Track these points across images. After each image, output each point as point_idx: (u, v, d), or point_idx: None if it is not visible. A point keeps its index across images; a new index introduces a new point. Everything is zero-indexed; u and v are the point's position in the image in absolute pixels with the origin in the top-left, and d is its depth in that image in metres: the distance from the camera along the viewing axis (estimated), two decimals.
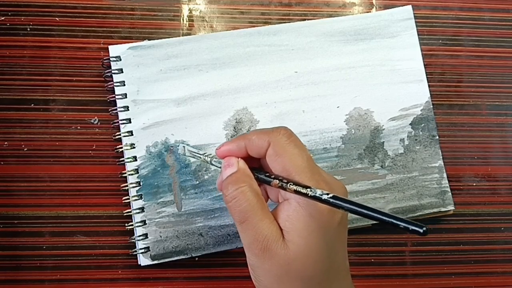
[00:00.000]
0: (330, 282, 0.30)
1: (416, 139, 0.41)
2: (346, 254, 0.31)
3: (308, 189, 0.27)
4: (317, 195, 0.27)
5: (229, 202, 0.30)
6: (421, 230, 0.23)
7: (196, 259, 0.39)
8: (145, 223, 0.38)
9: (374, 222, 0.40)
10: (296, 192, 0.28)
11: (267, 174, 0.30)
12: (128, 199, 0.39)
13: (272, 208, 0.31)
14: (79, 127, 0.40)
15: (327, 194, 0.27)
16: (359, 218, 0.40)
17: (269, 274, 0.29)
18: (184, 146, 0.38)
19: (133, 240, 0.38)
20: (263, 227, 0.28)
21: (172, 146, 0.39)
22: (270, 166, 0.30)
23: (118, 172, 0.39)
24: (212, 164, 0.34)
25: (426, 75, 0.42)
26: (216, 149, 0.32)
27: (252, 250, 0.29)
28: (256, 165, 0.32)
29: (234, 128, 0.40)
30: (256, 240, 0.29)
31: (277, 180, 0.29)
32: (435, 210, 0.40)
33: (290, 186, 0.28)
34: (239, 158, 0.31)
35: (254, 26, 0.42)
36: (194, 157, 0.37)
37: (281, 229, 0.29)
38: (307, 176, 0.29)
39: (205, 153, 0.35)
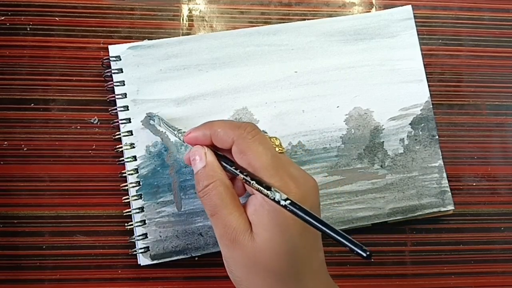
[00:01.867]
0: (301, 275, 0.30)
1: (416, 139, 0.41)
2: (319, 247, 0.32)
3: (269, 192, 0.28)
4: (275, 199, 0.28)
5: (201, 197, 0.31)
6: (364, 254, 0.24)
7: (196, 258, 0.39)
8: (144, 223, 0.38)
9: (374, 222, 0.40)
10: (258, 190, 0.29)
11: (235, 167, 0.31)
12: (128, 198, 0.39)
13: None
14: (79, 127, 0.40)
15: (285, 199, 0.27)
16: (359, 218, 0.40)
17: (239, 265, 0.30)
18: (160, 119, 0.38)
19: (132, 240, 0.38)
20: (232, 220, 0.30)
21: (149, 115, 0.39)
22: (237, 162, 0.31)
23: (118, 171, 0.39)
24: (184, 142, 0.35)
25: (426, 75, 0.42)
26: (184, 135, 0.33)
27: (223, 242, 0.30)
28: (228, 152, 0.32)
29: (154, 122, 0.40)
30: (225, 232, 0.30)
31: (242, 176, 0.30)
32: (435, 210, 0.40)
33: (254, 184, 0.29)
34: (207, 149, 0.32)
35: (254, 26, 0.42)
36: (168, 131, 0.37)
37: (249, 222, 0.30)
38: (271, 173, 0.29)
39: (179, 130, 0.35)
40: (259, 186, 0.29)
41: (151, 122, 0.39)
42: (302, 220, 0.26)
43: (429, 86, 0.42)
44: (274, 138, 0.33)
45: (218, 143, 0.32)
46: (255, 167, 0.30)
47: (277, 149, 0.32)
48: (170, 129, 0.37)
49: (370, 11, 0.43)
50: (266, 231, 0.29)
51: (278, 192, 0.28)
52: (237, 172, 0.30)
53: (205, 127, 0.32)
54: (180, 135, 0.35)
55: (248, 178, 0.30)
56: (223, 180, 0.31)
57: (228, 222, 0.30)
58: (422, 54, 0.42)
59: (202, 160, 0.32)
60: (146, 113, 0.39)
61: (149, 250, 0.38)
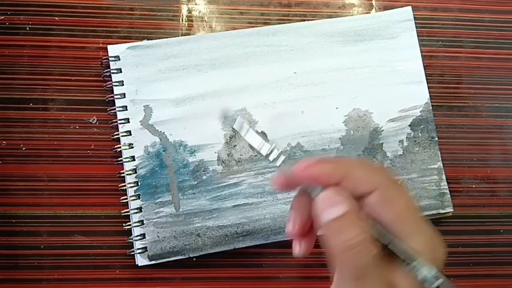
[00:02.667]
0: None
1: (415, 141, 0.41)
2: None
3: (417, 269, 0.23)
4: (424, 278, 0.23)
5: (343, 252, 0.23)
6: None
7: (194, 259, 0.39)
8: (143, 223, 0.38)
9: None
10: (421, 282, 0.24)
11: (387, 232, 0.25)
12: (126, 199, 0.39)
13: None
14: (77, 127, 0.40)
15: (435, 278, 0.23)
16: None
17: None
18: (242, 124, 0.28)
19: (130, 240, 0.38)
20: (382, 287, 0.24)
21: (225, 114, 0.31)
22: (374, 212, 0.25)
23: (116, 172, 0.39)
24: (277, 166, 0.27)
25: (426, 76, 0.42)
26: (299, 165, 0.25)
27: None
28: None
29: (233, 128, 0.40)
30: None
31: (407, 260, 0.24)
32: (434, 212, 0.40)
33: (419, 272, 0.23)
34: (349, 195, 0.24)
35: (253, 27, 0.42)
36: (249, 145, 0.28)
37: None
38: (418, 229, 0.24)
39: (271, 149, 0.27)
40: (426, 278, 0.23)
41: (231, 125, 0.29)
42: None
43: (428, 87, 0.42)
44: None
45: (348, 187, 0.25)
46: (404, 219, 0.24)
47: None
48: (255, 143, 0.28)
49: (370, 12, 0.43)
50: None
51: (426, 268, 0.23)
52: (395, 243, 0.24)
53: (336, 165, 0.25)
54: (272, 154, 0.26)
55: (413, 264, 0.24)
56: (371, 235, 0.24)
57: None
58: (422, 55, 0.42)
59: (343, 203, 0.24)
60: (224, 112, 0.31)
61: (147, 251, 0.38)
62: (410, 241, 0.24)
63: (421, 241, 0.24)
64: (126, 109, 0.39)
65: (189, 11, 0.42)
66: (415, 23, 0.43)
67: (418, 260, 0.23)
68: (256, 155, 0.40)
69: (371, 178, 0.25)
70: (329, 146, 0.40)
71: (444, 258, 0.25)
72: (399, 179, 0.27)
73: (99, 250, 0.39)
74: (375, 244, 0.23)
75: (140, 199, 0.38)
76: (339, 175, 0.25)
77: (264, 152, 0.27)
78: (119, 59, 0.40)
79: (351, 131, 0.41)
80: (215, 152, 0.39)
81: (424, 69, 0.42)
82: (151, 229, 0.38)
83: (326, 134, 0.40)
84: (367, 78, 0.41)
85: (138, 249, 0.38)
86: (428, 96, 0.42)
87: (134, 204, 0.38)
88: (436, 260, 0.24)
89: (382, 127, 0.41)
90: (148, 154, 0.39)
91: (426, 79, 0.42)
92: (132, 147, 0.39)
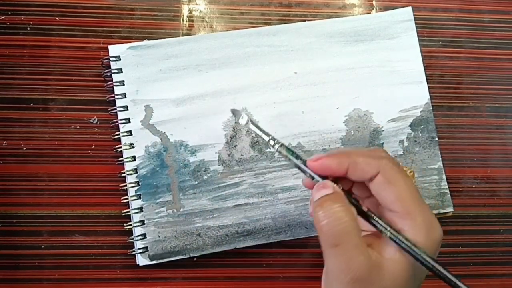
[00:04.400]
0: None
1: (415, 141, 0.41)
2: None
3: (422, 254, 0.26)
4: (426, 261, 0.26)
5: (321, 221, 0.27)
6: None
7: (195, 259, 0.39)
8: (143, 223, 0.38)
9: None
10: (406, 250, 0.26)
11: (369, 211, 0.28)
12: (127, 199, 0.39)
13: None
14: (78, 127, 0.40)
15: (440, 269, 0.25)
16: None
17: None
18: (248, 119, 0.32)
19: (131, 240, 0.38)
20: (358, 255, 0.26)
21: (235, 111, 0.33)
22: (378, 194, 0.28)
23: (117, 171, 0.39)
24: (278, 152, 0.30)
25: (426, 76, 0.42)
26: (311, 159, 0.29)
27: (341, 278, 0.26)
28: (346, 188, 0.30)
29: (233, 128, 0.40)
30: (348, 268, 0.26)
31: (387, 231, 0.27)
32: (434, 212, 0.40)
33: (403, 243, 0.26)
34: (335, 185, 0.28)
35: (254, 27, 0.42)
36: (256, 135, 0.35)
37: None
38: (418, 208, 0.27)
39: (273, 139, 0.31)
40: (410, 247, 0.26)
41: (236, 120, 0.33)
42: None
43: (429, 88, 0.42)
44: (409, 171, 0.31)
45: (356, 174, 0.28)
46: (404, 198, 0.27)
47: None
48: (261, 134, 0.32)
49: (370, 13, 0.43)
50: (396, 282, 0.26)
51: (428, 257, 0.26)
52: (375, 219, 0.27)
53: (342, 156, 0.28)
54: (275, 144, 0.30)
55: (394, 234, 0.27)
56: (350, 209, 0.27)
57: (354, 257, 0.26)
58: (422, 55, 0.42)
59: (329, 188, 0.28)
60: (231, 109, 0.34)
61: (147, 251, 0.38)
62: (409, 220, 0.27)
63: (418, 221, 0.26)
64: (127, 109, 0.39)
65: (190, 11, 0.42)
66: (415, 23, 0.43)
67: (389, 229, 0.27)
68: (256, 155, 0.40)
69: (373, 164, 0.28)
70: (329, 146, 0.40)
71: (440, 239, 0.27)
72: (398, 163, 0.29)
73: (100, 250, 0.39)
74: (352, 217, 0.27)
75: (141, 199, 0.39)
76: (345, 166, 0.28)
77: (275, 146, 0.30)
78: (120, 59, 0.40)
79: (352, 131, 0.41)
80: (216, 152, 0.39)
81: (424, 69, 0.42)
82: (152, 229, 0.38)
83: (327, 134, 0.41)
84: (368, 78, 0.41)
85: (139, 249, 0.38)
86: (428, 96, 0.42)
87: (135, 204, 0.39)
88: (431, 240, 0.27)
89: (382, 127, 0.41)
90: (149, 154, 0.39)
91: (426, 79, 0.42)
92: (133, 147, 0.39)
